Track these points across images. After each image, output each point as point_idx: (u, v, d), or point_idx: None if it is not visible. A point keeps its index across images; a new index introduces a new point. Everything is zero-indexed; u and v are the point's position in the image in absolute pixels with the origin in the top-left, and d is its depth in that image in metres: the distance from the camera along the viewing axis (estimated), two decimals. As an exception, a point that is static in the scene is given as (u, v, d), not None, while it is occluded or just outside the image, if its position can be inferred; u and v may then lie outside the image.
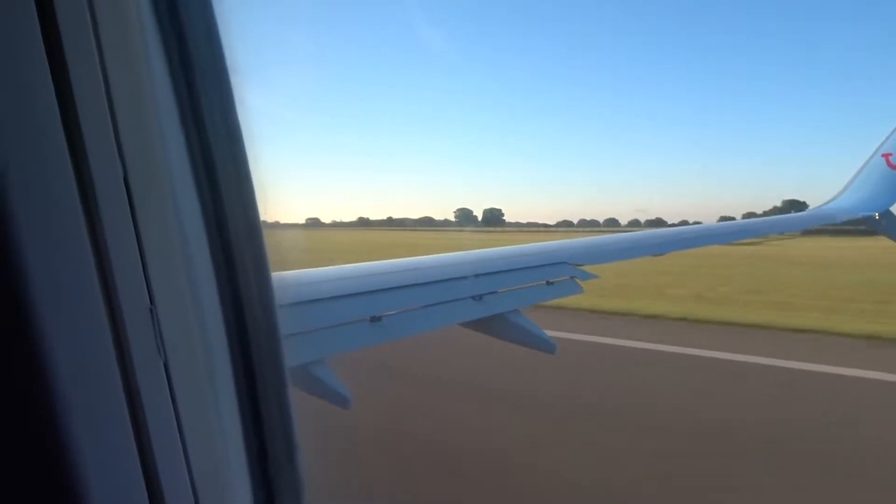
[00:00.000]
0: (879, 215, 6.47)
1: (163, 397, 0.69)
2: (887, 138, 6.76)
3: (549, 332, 3.33)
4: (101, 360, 0.63)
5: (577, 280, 3.80)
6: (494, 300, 3.23)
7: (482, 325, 3.15)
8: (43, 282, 0.57)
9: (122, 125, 0.67)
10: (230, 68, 0.81)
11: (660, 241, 5.22)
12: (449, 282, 3.23)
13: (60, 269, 0.59)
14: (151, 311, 0.68)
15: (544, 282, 3.65)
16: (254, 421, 0.82)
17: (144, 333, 0.67)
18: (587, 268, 4.00)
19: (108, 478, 0.62)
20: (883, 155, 6.74)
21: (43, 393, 0.57)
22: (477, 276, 3.38)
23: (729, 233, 5.70)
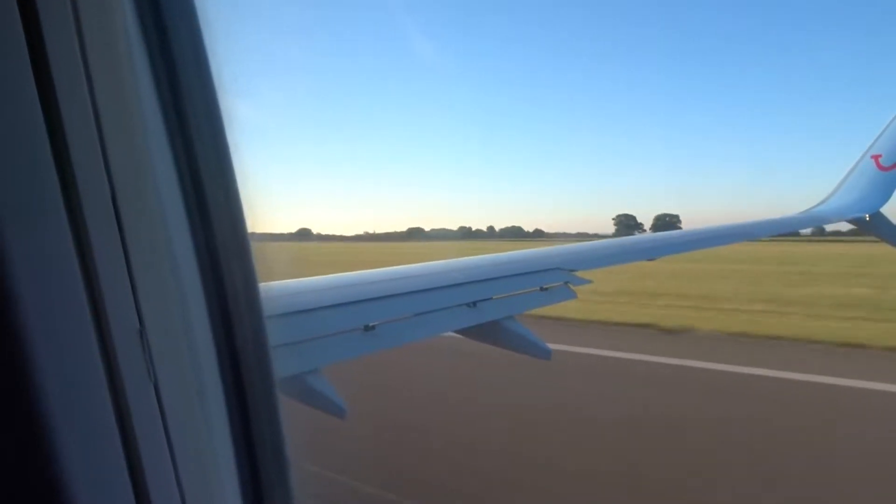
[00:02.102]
0: (870, 217, 6.52)
1: (153, 420, 0.69)
2: (876, 140, 6.82)
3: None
4: (90, 383, 0.62)
5: (571, 286, 3.81)
6: (488, 307, 3.23)
7: (476, 332, 3.14)
8: (31, 304, 0.57)
9: (110, 144, 0.67)
10: (217, 82, 0.81)
11: (652, 245, 5.25)
12: (443, 289, 3.23)
13: (49, 292, 0.59)
14: (141, 332, 0.68)
15: (538, 288, 3.65)
16: (245, 441, 0.82)
17: (134, 356, 0.67)
18: (581, 273, 4.01)
19: (99, 501, 0.61)
20: (872, 156, 6.79)
21: (33, 415, 0.57)
22: (471, 283, 3.38)
23: (718, 236, 5.73)
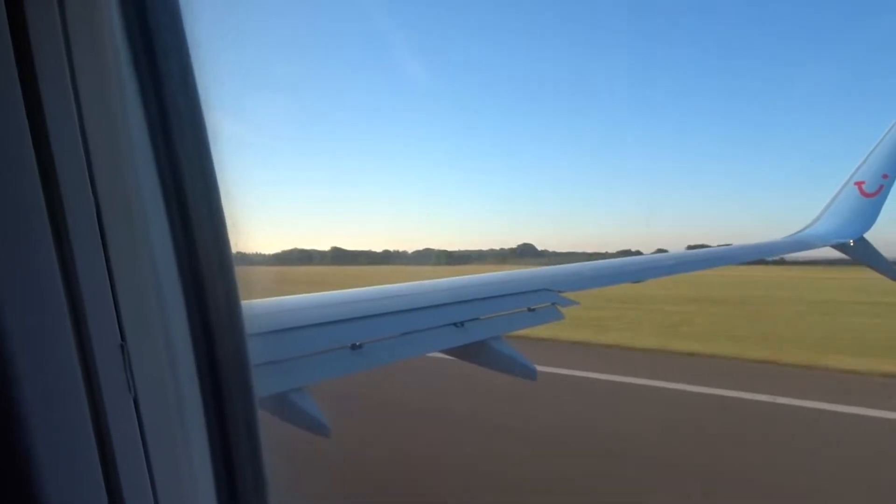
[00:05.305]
0: (854, 242, 6.62)
1: (132, 433, 0.70)
2: (859, 167, 6.96)
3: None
4: (71, 396, 0.63)
5: (558, 307, 3.83)
6: (476, 327, 3.24)
7: (462, 352, 3.15)
8: (15, 317, 0.58)
9: (96, 162, 0.69)
10: (203, 98, 0.82)
11: (639, 268, 5.29)
12: (430, 309, 3.24)
13: (32, 306, 0.61)
14: (122, 347, 0.70)
15: (526, 308, 3.67)
16: (223, 456, 0.82)
17: (115, 369, 0.68)
18: (569, 294, 4.03)
19: None
20: (856, 183, 6.92)
21: (13, 427, 0.58)
22: (458, 303, 3.39)
23: (704, 260, 5.79)
